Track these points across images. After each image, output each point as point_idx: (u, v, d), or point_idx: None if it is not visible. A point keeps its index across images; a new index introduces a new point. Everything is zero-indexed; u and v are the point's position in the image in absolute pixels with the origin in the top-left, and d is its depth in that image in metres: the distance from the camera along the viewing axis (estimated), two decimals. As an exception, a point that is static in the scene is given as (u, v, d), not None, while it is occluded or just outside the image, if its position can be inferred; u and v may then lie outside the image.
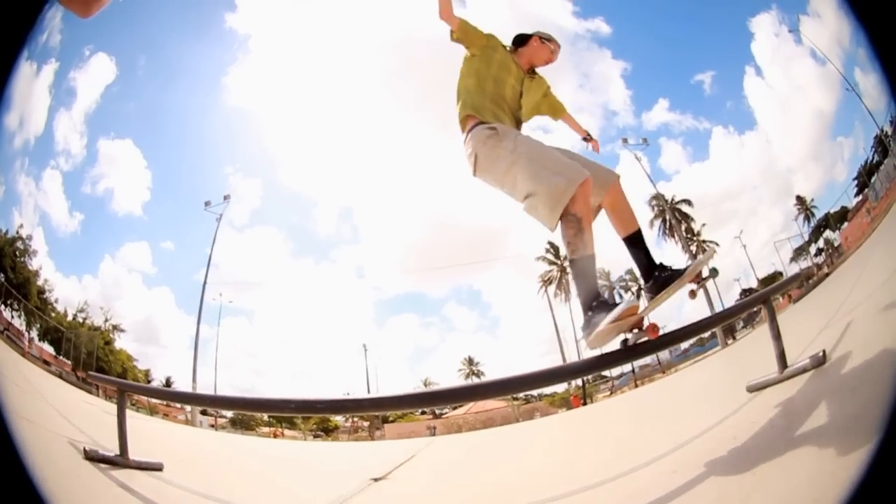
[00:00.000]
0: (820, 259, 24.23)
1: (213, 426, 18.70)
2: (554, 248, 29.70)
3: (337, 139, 49.32)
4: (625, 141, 25.38)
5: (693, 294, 1.96)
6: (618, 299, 1.73)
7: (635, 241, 2.10)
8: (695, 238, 27.48)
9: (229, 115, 43.15)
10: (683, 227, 27.49)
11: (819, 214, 25.22)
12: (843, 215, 22.76)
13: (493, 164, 2.05)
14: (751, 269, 26.95)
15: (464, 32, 2.26)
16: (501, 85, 2.26)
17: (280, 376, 32.41)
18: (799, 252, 25.50)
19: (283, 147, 51.75)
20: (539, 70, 2.51)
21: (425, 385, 27.68)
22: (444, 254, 42.47)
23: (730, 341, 16.26)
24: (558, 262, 29.44)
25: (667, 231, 27.32)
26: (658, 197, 27.50)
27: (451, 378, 31.13)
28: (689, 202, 28.45)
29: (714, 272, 2.17)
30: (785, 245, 25.41)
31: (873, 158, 21.30)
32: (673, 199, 28.38)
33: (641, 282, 2.06)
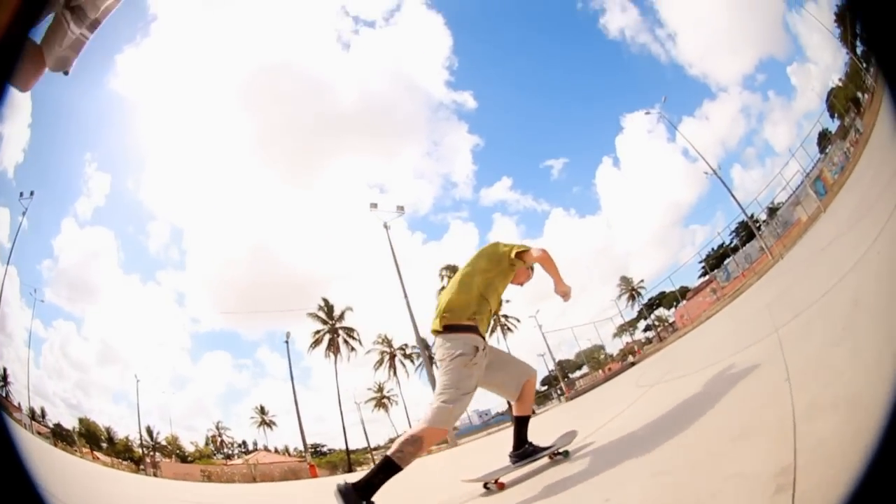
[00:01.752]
0: (650, 334, 24.40)
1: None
2: (327, 306, 28.17)
3: (188, 158, 44.50)
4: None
5: (551, 458, 2.85)
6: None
7: (523, 422, 2.89)
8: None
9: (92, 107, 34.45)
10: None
11: (653, 294, 26.40)
12: (682, 294, 22.55)
13: (454, 368, 2.60)
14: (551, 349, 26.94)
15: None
16: (497, 300, 2.93)
17: (104, 396, 26.91)
18: (623, 329, 25.58)
19: (137, 148, 43.48)
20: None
21: (217, 429, 26.27)
22: (264, 297, 39.72)
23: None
24: (330, 322, 28.24)
25: None
26: (450, 268, 27.95)
27: (242, 426, 29.32)
28: None
29: (566, 454, 2.81)
30: (609, 323, 26.11)
31: (731, 243, 21.35)
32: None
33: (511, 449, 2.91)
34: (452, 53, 41.34)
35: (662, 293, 23.03)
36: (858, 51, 22.78)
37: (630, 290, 27.67)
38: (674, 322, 23.13)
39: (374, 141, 46.45)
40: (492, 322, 2.99)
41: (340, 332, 28.23)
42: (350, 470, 22.88)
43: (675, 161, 34.17)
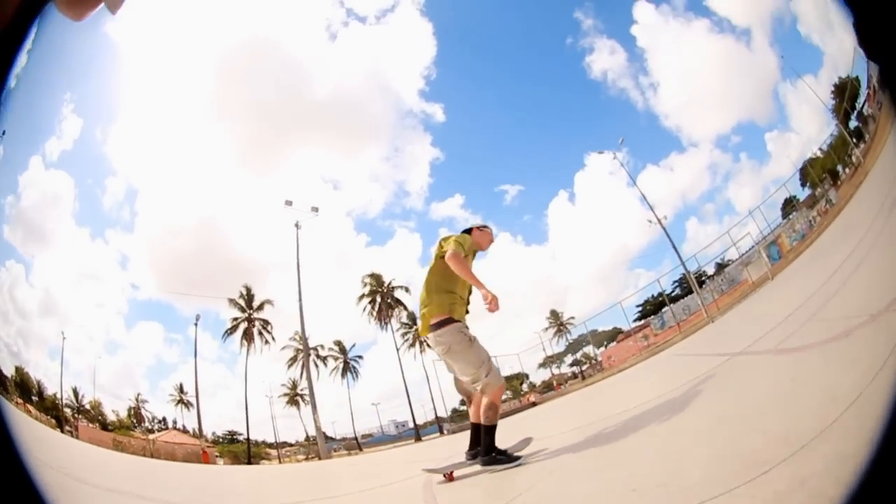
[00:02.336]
0: (576, 369, 23.40)
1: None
2: (247, 295, 27.40)
3: (157, 119, 41.82)
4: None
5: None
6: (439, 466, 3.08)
7: (489, 430, 2.96)
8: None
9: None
10: (395, 312, 27.57)
11: (584, 332, 25.37)
12: (613, 335, 21.58)
13: (462, 356, 3.01)
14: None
15: (463, 253, 3.10)
16: (466, 287, 3.20)
17: (41, 348, 24.68)
18: (548, 361, 24.87)
19: (113, 100, 39.61)
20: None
21: (137, 402, 25.16)
22: (204, 274, 38.19)
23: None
24: (248, 311, 27.50)
25: (373, 311, 26.90)
26: (374, 276, 27.73)
27: (165, 402, 27.40)
28: (406, 289, 28.68)
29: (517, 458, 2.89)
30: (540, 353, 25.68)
31: (673, 292, 20.65)
32: (390, 284, 28.00)
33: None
34: (433, 63, 40.97)
35: (594, 331, 22.07)
36: (851, 125, 22.80)
37: (558, 324, 26.84)
38: (601, 361, 22.12)
39: (338, 136, 46.33)
40: (468, 308, 3.30)
41: (256, 322, 26.89)
42: (249, 462, 22.19)
43: (632, 205, 34.16)
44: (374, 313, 27.53)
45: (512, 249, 38.53)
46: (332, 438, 28.59)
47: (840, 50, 24.53)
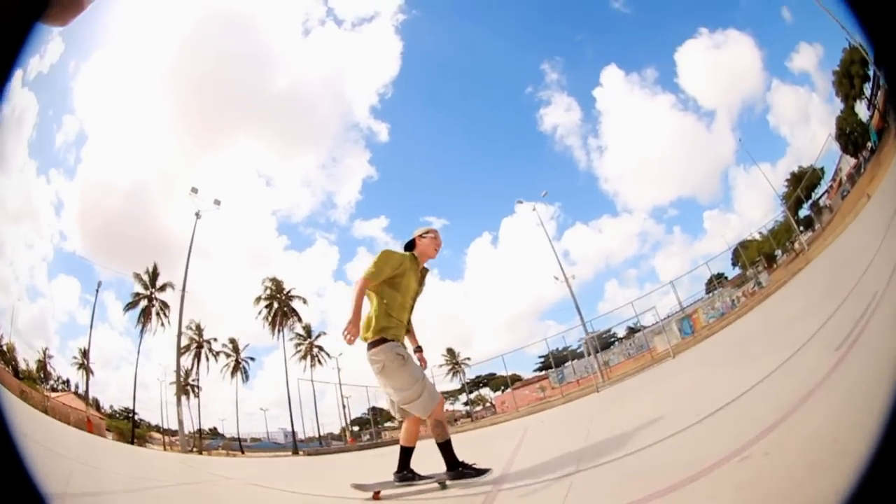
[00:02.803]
0: (469, 409, 22.45)
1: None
2: (153, 273, 26.01)
3: (121, 67, 37.57)
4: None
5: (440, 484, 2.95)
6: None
7: (445, 446, 2.96)
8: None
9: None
10: (289, 322, 26.93)
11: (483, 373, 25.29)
12: (513, 380, 20.64)
13: (395, 375, 2.95)
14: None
15: (379, 276, 3.04)
16: (404, 308, 3.17)
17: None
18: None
19: (93, 32, 35.49)
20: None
21: (44, 355, 22.80)
22: (129, 240, 34.48)
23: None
24: (150, 289, 25.92)
25: (269, 316, 26.25)
26: (274, 281, 27.17)
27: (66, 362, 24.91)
28: (304, 300, 27.95)
29: (443, 485, 2.90)
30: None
31: (578, 348, 19.97)
32: (288, 292, 27.30)
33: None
34: (391, 83, 39.80)
35: (493, 375, 20.95)
36: (801, 213, 22.73)
37: (454, 362, 25.58)
38: (493, 405, 20.99)
39: (281, 132, 44.47)
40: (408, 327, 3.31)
41: (156, 302, 25.06)
42: (132, 442, 21.38)
43: (551, 258, 34.20)
44: (269, 318, 26.00)
45: (428, 281, 37.85)
46: (220, 436, 26.98)
47: (810, 142, 24.53)
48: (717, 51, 33.32)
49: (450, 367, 25.13)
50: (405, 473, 3.05)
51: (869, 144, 19.78)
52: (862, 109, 20.50)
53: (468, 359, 26.76)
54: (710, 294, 19.20)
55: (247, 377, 26.65)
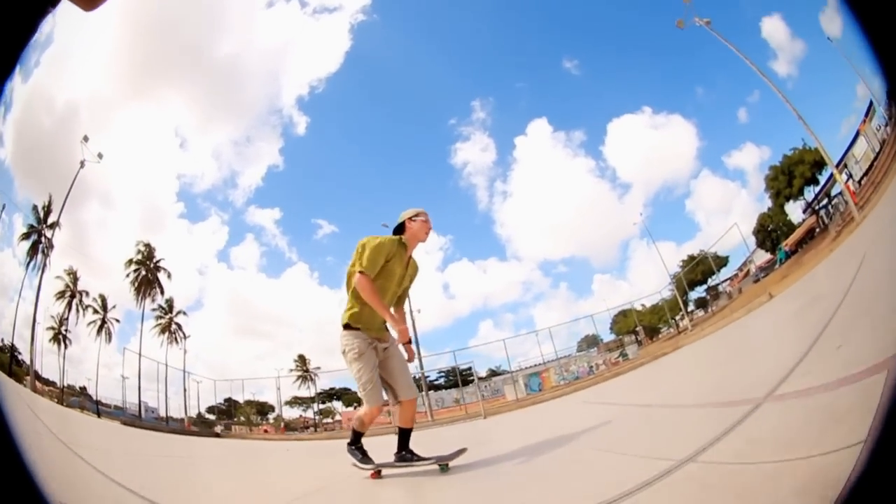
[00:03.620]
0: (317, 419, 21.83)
1: None
2: (46, 210, 23.41)
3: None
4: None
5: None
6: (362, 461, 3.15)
7: (405, 433, 3.13)
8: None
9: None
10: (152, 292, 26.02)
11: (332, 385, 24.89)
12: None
13: (349, 365, 3.05)
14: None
15: (376, 267, 2.98)
16: (384, 293, 3.03)
17: None
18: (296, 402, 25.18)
19: None
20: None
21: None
22: (47, 166, 29.90)
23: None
24: (41, 224, 23.62)
25: (134, 281, 25.32)
26: (147, 246, 25.80)
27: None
28: (169, 275, 26.56)
29: (444, 467, 2.91)
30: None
31: (437, 380, 19.59)
32: (157, 262, 26.03)
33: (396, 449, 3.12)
34: (326, 79, 39.00)
35: (347, 390, 20.59)
36: (692, 296, 23.79)
37: (304, 369, 25.29)
38: (340, 420, 20.63)
39: (209, 97, 42.77)
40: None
41: (43, 238, 23.70)
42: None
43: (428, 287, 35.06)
44: (134, 283, 24.86)
45: (301, 281, 37.14)
46: (84, 394, 25.72)
47: (724, 233, 25.02)
48: (653, 131, 34.36)
49: (300, 374, 24.58)
50: (404, 454, 3.09)
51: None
52: (795, 211, 21.67)
53: (318, 367, 26.28)
54: (574, 354, 19.23)
55: (110, 338, 25.44)
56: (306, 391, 23.56)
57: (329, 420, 20.93)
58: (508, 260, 38.62)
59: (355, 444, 3.19)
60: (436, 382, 20.39)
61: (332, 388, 22.04)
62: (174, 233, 36.80)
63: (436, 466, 2.93)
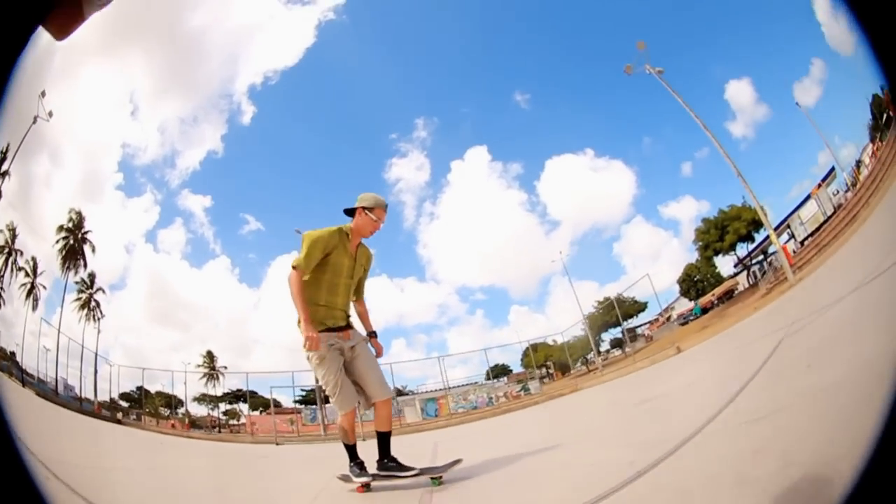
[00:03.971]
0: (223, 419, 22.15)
1: None
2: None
3: None
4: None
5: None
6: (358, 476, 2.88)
7: (383, 437, 2.92)
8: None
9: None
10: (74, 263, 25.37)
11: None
12: (266, 404, 20.52)
13: (315, 370, 2.89)
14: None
15: (311, 262, 2.83)
16: (335, 288, 2.94)
17: None
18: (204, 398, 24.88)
19: None
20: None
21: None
22: None
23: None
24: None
25: (63, 249, 24.71)
26: (79, 214, 25.06)
27: None
28: (94, 248, 25.88)
29: (437, 481, 2.67)
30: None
31: None
32: (85, 232, 25.36)
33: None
34: (279, 73, 39.32)
35: (254, 392, 20.89)
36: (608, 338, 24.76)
37: (211, 367, 25.27)
38: (244, 423, 20.98)
39: (169, 67, 42.49)
40: (346, 316, 3.06)
41: None
42: None
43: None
44: (63, 251, 24.58)
45: (225, 278, 36.72)
46: (13, 360, 25.35)
47: (635, 282, 25.96)
48: (592, 173, 35.47)
49: (206, 371, 24.79)
50: (386, 462, 2.87)
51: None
52: (727, 265, 22.61)
53: (225, 366, 26.04)
54: (482, 383, 19.95)
55: (35, 305, 25.09)
56: (213, 389, 23.72)
57: (235, 422, 21.16)
58: (427, 281, 39.96)
59: (353, 460, 2.96)
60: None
61: (238, 390, 22.13)
62: (109, 204, 35.37)
63: (426, 479, 2.72)
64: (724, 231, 22.28)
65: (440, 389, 19.61)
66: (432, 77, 44.25)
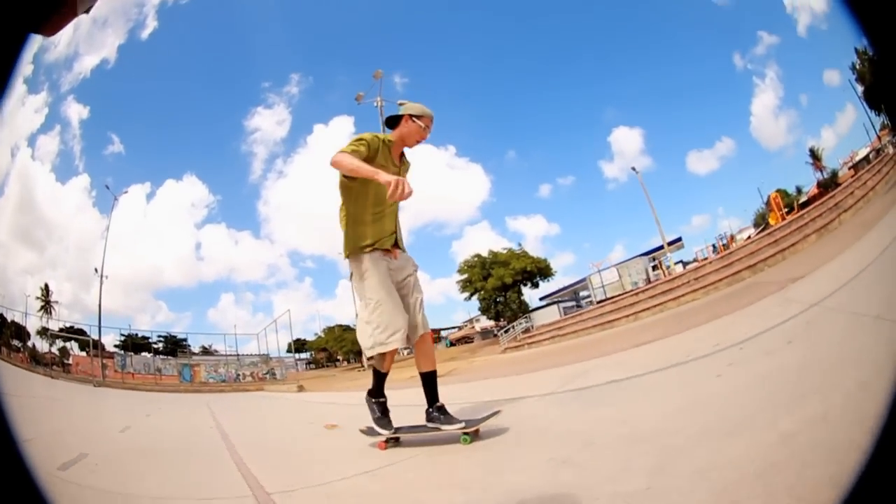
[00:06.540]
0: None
1: None
2: None
3: None
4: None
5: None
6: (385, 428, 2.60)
7: (429, 379, 2.56)
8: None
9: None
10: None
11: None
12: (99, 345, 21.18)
13: (358, 288, 2.57)
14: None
15: (357, 154, 2.39)
16: (380, 199, 2.51)
17: None
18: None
19: None
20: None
21: None
22: None
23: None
24: None
25: None
26: None
27: None
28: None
29: (468, 438, 2.37)
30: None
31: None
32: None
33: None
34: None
35: (83, 332, 20.71)
36: None
37: (45, 300, 22.93)
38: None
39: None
40: (395, 237, 2.68)
41: None
42: None
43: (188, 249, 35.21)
44: None
45: (82, 199, 31.30)
46: None
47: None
48: (448, 169, 35.98)
49: (42, 303, 22.99)
50: (432, 412, 2.50)
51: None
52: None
53: (57, 302, 22.96)
54: (253, 356, 21.79)
55: None
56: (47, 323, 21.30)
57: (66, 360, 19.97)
58: (261, 238, 37.77)
59: (376, 396, 2.63)
60: (153, 344, 22.77)
61: (71, 327, 21.71)
62: (10, 97, 35.77)
63: (458, 434, 2.34)
64: (489, 273, 21.97)
65: (223, 355, 21.45)
66: (324, 33, 43.05)
